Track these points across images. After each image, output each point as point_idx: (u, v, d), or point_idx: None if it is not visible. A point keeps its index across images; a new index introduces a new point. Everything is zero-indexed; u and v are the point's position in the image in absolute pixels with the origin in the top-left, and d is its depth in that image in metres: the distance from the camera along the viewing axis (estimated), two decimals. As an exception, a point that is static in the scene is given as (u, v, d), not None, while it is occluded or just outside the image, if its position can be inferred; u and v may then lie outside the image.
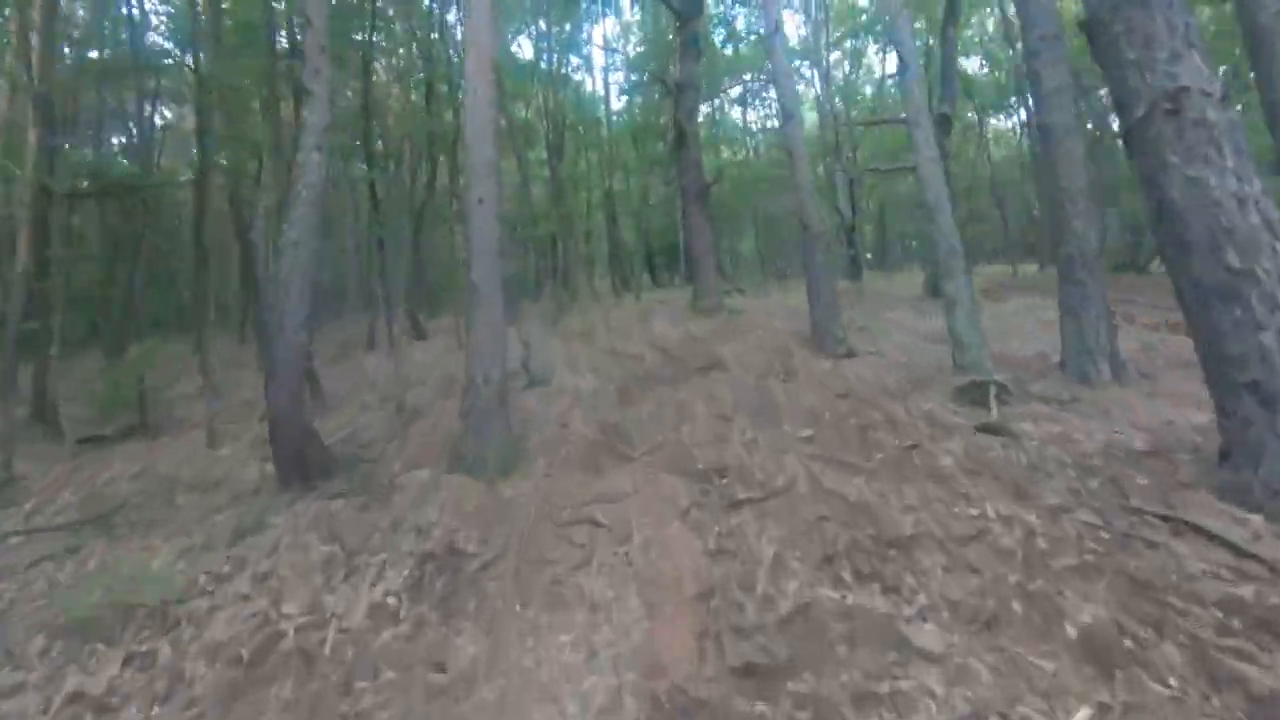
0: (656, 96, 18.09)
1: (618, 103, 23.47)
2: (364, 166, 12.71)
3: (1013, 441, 4.67)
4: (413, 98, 15.62)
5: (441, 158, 14.85)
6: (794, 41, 24.49)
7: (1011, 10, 22.74)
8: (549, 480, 5.12)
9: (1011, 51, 24.11)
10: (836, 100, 21.89)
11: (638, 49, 22.58)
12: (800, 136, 9.54)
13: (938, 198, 6.96)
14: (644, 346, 10.07)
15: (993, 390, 5.31)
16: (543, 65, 20.09)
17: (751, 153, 26.12)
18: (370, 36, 12.16)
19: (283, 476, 5.09)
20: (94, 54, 15.50)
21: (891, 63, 24.98)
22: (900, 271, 21.22)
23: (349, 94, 13.82)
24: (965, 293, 6.48)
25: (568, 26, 20.56)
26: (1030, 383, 5.83)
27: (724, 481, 4.96)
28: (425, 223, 15.08)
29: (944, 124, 11.02)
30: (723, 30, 19.00)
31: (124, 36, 14.93)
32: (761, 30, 19.87)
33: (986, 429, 4.93)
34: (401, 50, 15.07)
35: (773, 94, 27.39)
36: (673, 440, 5.90)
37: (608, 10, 20.69)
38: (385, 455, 5.95)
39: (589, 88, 23.83)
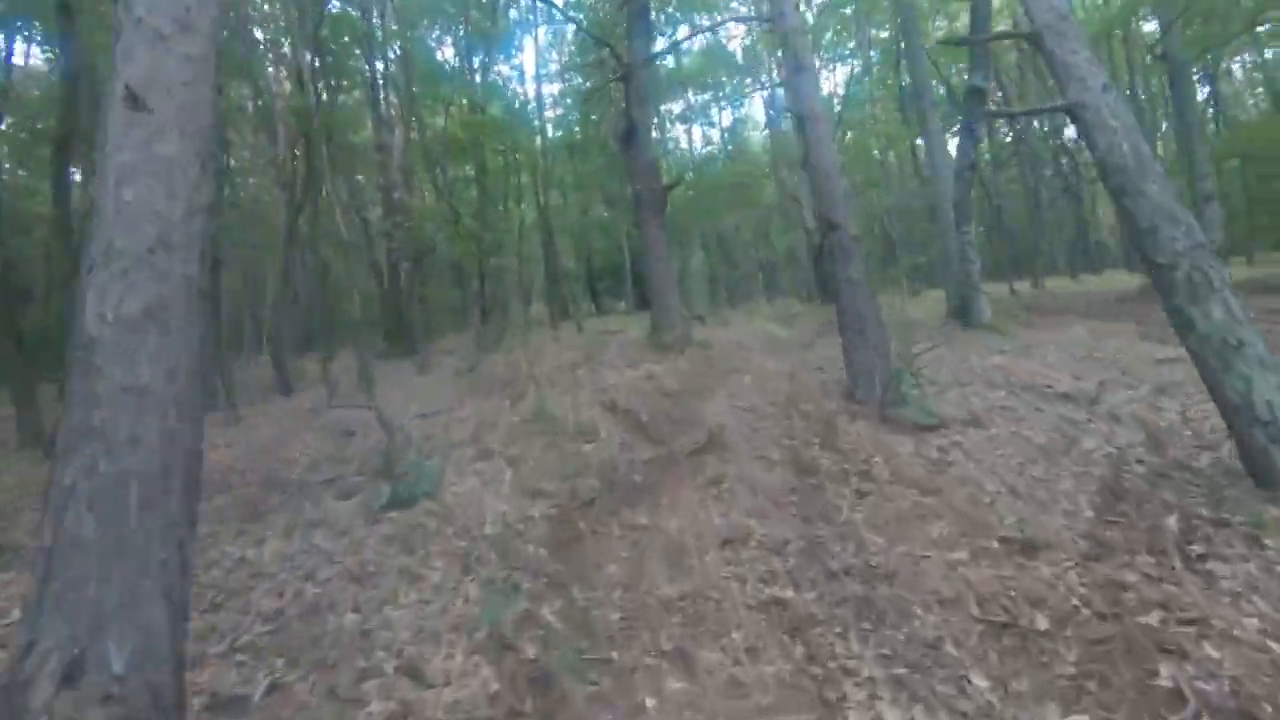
0: (605, 70, 14.14)
1: (552, 112, 19.82)
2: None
3: None
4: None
5: (325, 149, 10.49)
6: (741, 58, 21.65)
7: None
8: None
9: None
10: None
11: (572, 56, 18.99)
12: (817, 95, 6.08)
13: (1136, 153, 3.52)
14: (594, 407, 6.26)
15: None
16: (464, 69, 16.22)
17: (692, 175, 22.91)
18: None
19: None
20: None
21: (840, 75, 22.39)
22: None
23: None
24: (1247, 325, 3.03)
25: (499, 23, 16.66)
26: None
27: None
28: (301, 237, 10.78)
29: (977, 98, 7.84)
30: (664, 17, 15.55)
31: None
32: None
33: None
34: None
35: (714, 108, 24.55)
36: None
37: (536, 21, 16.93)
38: None
39: (520, 98, 20.01)
